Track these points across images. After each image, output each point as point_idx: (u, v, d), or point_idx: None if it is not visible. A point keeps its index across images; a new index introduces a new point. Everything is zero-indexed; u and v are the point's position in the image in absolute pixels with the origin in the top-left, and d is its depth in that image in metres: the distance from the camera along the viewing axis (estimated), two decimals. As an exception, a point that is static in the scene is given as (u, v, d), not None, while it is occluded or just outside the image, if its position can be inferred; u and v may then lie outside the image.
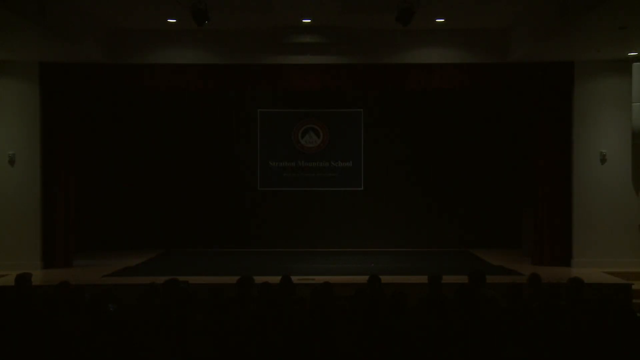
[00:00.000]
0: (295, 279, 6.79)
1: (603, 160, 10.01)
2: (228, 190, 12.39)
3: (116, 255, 11.21)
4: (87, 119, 12.10)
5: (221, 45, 10.16)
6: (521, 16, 9.34)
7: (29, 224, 9.91)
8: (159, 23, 9.75)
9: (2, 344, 4.11)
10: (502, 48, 10.06)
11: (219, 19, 9.10)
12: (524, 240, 11.41)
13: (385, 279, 6.69)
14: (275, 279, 6.40)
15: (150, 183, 12.51)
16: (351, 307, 5.32)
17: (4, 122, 9.95)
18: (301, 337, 3.96)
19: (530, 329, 4.37)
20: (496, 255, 11.23)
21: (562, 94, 10.11)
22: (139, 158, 12.54)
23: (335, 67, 10.24)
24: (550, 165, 10.20)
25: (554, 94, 10.15)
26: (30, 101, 9.93)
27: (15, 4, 7.20)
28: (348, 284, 8.02)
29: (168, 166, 12.54)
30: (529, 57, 9.69)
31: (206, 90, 11.05)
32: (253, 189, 12.53)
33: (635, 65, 9.50)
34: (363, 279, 6.97)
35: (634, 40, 8.55)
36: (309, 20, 9.73)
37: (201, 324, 4.68)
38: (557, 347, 3.97)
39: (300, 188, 12.67)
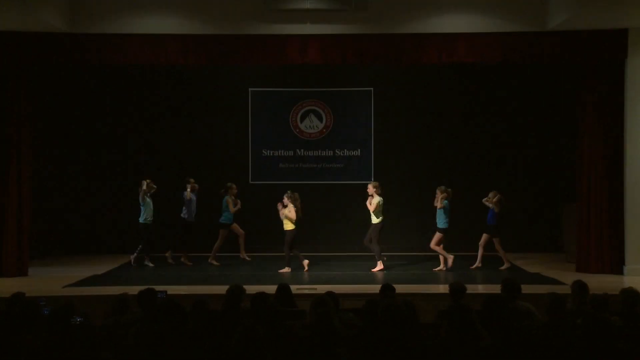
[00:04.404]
0: (294, 288, 6.80)
1: (661, 149, 9.98)
2: (213, 185, 12.33)
3: (81, 262, 11.23)
4: (46, 101, 12.12)
5: (205, 12, 10.10)
6: (563, -24, 9.28)
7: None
8: (130, -15, 9.72)
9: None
10: (540, 14, 9.98)
11: (202, -20, 9.05)
12: (566, 243, 11.39)
13: (400, 288, 6.68)
14: (271, 289, 6.40)
15: (120, 177, 12.53)
16: (360, 322, 5.32)
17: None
18: (301, 357, 3.94)
19: (574, 348, 4.34)
20: (533, 260, 11.23)
21: (612, 68, 10.06)
22: (107, 147, 12.58)
23: (340, 38, 10.18)
24: (597, 154, 10.16)
25: (603, 68, 10.09)
26: (-24, 78, 9.93)
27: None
28: (356, 294, 8.05)
29: (140, 156, 12.55)
30: (572, 24, 9.62)
31: (187, 66, 11.03)
32: (244, 182, 12.50)
33: None
34: (374, 288, 6.96)
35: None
36: (309, -18, 9.69)
37: (183, 342, 4.66)
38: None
39: (300, 181, 12.64)
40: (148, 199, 10.95)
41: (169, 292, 6.69)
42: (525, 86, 12.46)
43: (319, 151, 12.77)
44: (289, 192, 10.55)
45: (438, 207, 10.35)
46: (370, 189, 10.56)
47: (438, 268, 10.35)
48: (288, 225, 10.35)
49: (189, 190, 11.13)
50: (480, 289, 8.21)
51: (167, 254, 11.17)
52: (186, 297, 7.34)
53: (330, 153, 12.80)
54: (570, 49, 9.99)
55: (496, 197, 10.45)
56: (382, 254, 10.45)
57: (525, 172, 12.50)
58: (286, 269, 10.26)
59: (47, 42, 9.94)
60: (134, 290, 6.27)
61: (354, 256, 11.68)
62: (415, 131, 12.63)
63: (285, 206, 10.43)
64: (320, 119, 12.81)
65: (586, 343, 4.24)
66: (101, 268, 10.64)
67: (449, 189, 10.49)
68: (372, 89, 12.74)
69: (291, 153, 12.80)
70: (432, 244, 10.43)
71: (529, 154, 12.53)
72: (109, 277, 10.03)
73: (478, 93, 12.52)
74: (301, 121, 12.81)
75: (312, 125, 12.81)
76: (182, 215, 11.19)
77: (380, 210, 10.41)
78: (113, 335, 5.08)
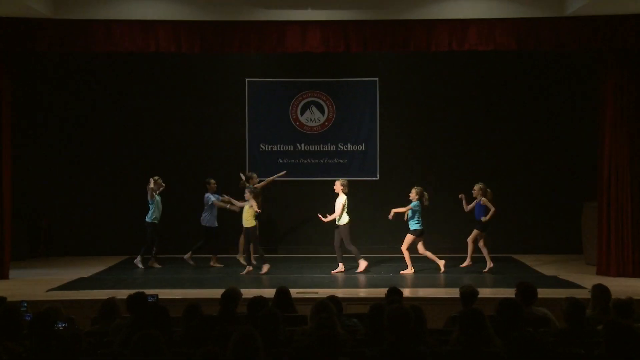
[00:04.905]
0: (294, 292, 6.80)
1: (689, 141, 9.96)
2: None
3: (66, 264, 11.25)
4: (28, 91, 12.13)
5: (198, -4, 10.10)
6: (582, -43, 9.25)
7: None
8: (119, -32, 9.70)
9: None
10: (558, -2, 9.97)
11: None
12: (585, 244, 11.37)
13: (407, 292, 6.68)
14: (269, 292, 6.40)
15: (108, 174, 12.53)
16: (365, 328, 5.30)
17: None
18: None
19: (595, 357, 4.32)
20: (549, 262, 11.23)
21: (635, 55, 10.04)
22: (93, 142, 12.58)
23: (343, 25, 10.16)
24: (619, 148, 10.15)
25: (625, 56, 10.08)
26: (-46, 67, 9.94)
27: None
28: (360, 298, 8.05)
29: (130, 151, 12.56)
30: (593, 9, 9.58)
31: (179, 54, 11.00)
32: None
33: None
34: (380, 291, 6.94)
35: None
36: (310, -36, 9.69)
37: (174, 349, 4.65)
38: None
39: (300, 178, 12.64)
40: (157, 197, 10.96)
41: (160, 296, 6.69)
42: (542, 76, 12.45)
43: (321, 146, 12.74)
44: (250, 186, 10.48)
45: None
46: (338, 186, 10.52)
47: (441, 269, 10.33)
48: (250, 222, 10.26)
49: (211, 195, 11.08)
50: (493, 293, 8.19)
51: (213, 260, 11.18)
52: (179, 301, 7.36)
53: (333, 148, 12.77)
54: (590, 35, 9.95)
55: (482, 190, 10.34)
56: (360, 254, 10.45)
57: (541, 168, 12.48)
58: (266, 266, 10.25)
59: (30, 28, 9.92)
60: (123, 294, 6.27)
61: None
62: (424, 124, 12.61)
63: (246, 201, 10.35)
64: (322, 112, 12.79)
65: (608, 352, 4.23)
66: (88, 270, 10.63)
67: (425, 193, 10.44)
68: (377, 79, 12.70)
69: (291, 148, 12.77)
70: (403, 247, 10.42)
71: (546, 148, 12.51)
72: (96, 280, 10.02)
73: (491, 83, 12.51)
74: (301, 114, 12.79)
75: (313, 118, 12.79)
76: (202, 222, 11.08)
77: (346, 210, 10.38)
78: (100, 343, 5.08)
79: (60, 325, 5.12)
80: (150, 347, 3.89)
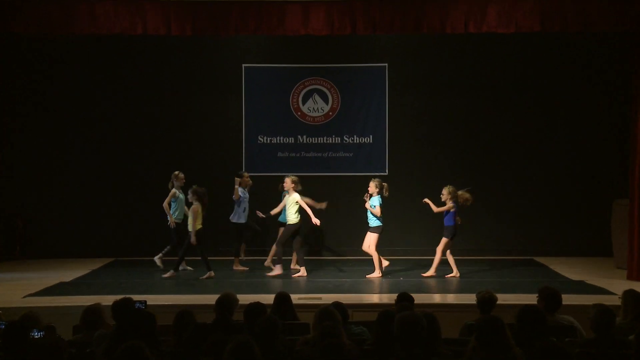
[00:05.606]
0: (295, 297, 6.81)
1: None
2: (200, 177, 12.33)
3: (46, 267, 11.27)
4: (2, 81, 12.12)
5: (190, -27, 10.08)
6: None
7: None
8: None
9: None
10: (586, -25, 9.94)
11: None
12: (615, 246, 11.36)
13: (419, 297, 6.68)
14: (268, 298, 6.41)
15: (90, 168, 12.53)
16: (373, 337, 5.30)
17: None
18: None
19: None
20: (576, 266, 11.23)
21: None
22: (75, 134, 12.58)
23: (349, 4, 10.15)
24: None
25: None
26: None
27: None
28: (368, 304, 8.06)
29: (114, 145, 12.56)
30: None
31: (169, 37, 11.00)
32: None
33: None
34: (389, 297, 6.94)
35: None
36: (313, -63, 9.68)
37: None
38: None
39: (302, 173, 12.57)
40: (181, 196, 10.95)
41: (149, 302, 6.69)
42: (567, 63, 12.40)
43: (324, 138, 12.74)
44: (194, 186, 10.45)
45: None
46: (288, 183, 10.58)
47: (451, 274, 10.30)
48: (195, 225, 10.23)
49: (236, 187, 11.00)
50: (514, 299, 8.19)
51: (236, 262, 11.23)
52: (170, 308, 7.37)
53: (338, 140, 12.76)
54: (621, 15, 9.91)
55: (451, 193, 10.32)
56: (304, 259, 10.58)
57: (566, 163, 12.44)
58: (209, 274, 10.27)
59: (4, 7, 9.91)
60: (109, 300, 6.27)
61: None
62: (437, 114, 12.58)
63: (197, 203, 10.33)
64: (326, 101, 12.78)
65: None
66: (69, 274, 10.65)
67: (385, 183, 10.43)
68: (386, 64, 12.68)
69: (292, 140, 12.77)
70: (364, 246, 10.41)
71: (571, 140, 12.47)
72: (79, 284, 10.03)
73: (511, 70, 12.46)
74: (303, 103, 12.78)
75: (316, 108, 12.78)
76: (231, 219, 11.07)
77: (297, 209, 10.47)
78: (83, 354, 5.09)
79: (37, 334, 5.11)
80: (135, 359, 3.89)
